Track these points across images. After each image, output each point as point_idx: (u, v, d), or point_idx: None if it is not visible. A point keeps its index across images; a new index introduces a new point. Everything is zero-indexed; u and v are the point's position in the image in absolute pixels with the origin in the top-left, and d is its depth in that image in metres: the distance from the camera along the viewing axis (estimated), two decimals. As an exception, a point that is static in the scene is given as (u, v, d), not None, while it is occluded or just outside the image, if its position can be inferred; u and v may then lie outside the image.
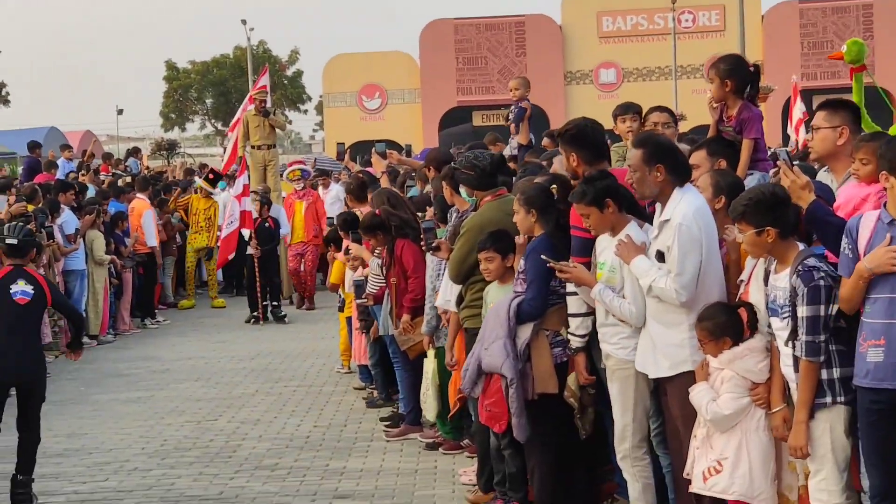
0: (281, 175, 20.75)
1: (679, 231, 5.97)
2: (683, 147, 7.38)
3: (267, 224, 18.16)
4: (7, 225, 9.20)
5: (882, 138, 5.53)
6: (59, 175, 21.32)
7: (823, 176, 6.58)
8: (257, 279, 17.67)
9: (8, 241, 8.75)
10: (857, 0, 50.10)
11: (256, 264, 17.64)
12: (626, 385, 6.53)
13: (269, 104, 19.99)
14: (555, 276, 6.91)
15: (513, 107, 12.14)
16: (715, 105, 7.26)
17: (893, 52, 45.26)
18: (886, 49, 47.68)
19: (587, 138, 6.96)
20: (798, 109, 20.71)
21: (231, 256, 18.30)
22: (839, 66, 49.38)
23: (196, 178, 22.12)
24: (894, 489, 5.17)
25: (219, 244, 18.83)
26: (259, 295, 17.76)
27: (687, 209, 6.01)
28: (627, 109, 8.95)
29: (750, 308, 5.84)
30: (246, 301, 18.36)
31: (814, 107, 6.52)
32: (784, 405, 5.66)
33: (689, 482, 6.06)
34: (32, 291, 8.56)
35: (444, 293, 8.67)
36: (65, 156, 24.41)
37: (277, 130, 20.23)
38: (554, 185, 7.12)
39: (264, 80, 20.27)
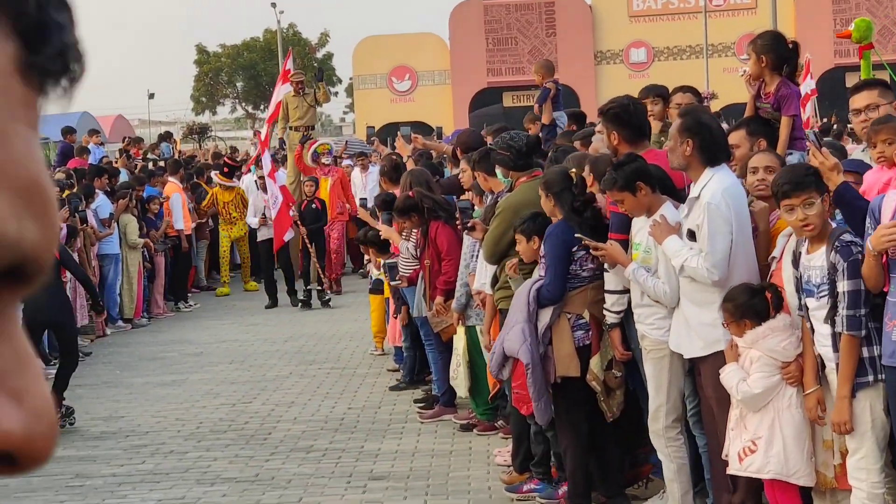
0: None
1: (708, 210, 5.97)
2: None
3: (314, 205, 17.90)
4: None
5: None
6: (92, 160, 21.42)
7: (862, 155, 6.56)
8: (285, 262, 17.55)
9: None
10: (889, -24, 49.63)
11: (308, 244, 17.44)
12: (661, 365, 6.53)
13: (306, 85, 19.75)
14: (574, 260, 6.94)
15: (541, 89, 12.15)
16: (753, 82, 7.23)
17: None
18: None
19: (630, 117, 6.96)
20: (806, 86, 20.46)
21: (288, 237, 17.47)
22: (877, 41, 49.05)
23: (213, 174, 21.70)
24: None
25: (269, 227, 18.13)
26: (302, 278, 17.72)
27: (716, 188, 6.00)
28: (649, 92, 8.93)
29: (775, 289, 5.83)
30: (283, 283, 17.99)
31: (847, 84, 6.52)
32: (818, 386, 5.64)
33: (725, 463, 6.06)
34: None
35: (479, 275, 8.67)
36: (93, 141, 24.51)
37: (318, 109, 19.91)
38: (573, 170, 7.12)
39: (290, 66, 20.25)
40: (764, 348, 5.79)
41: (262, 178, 18.06)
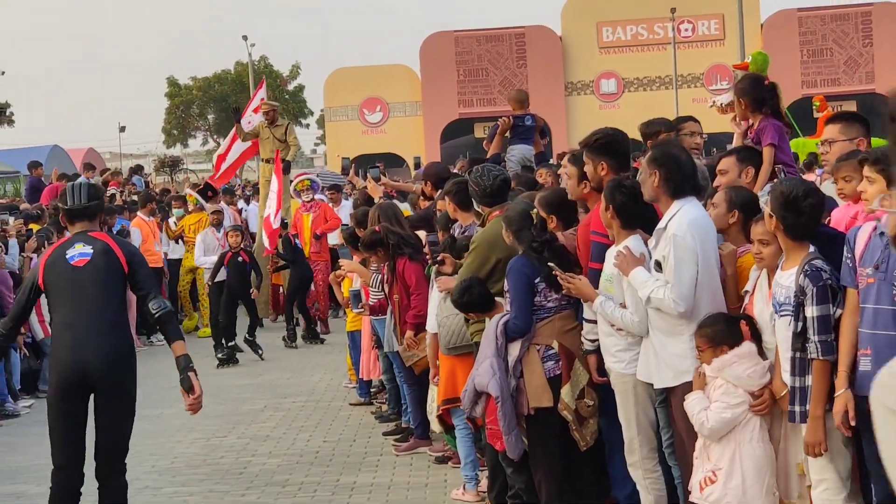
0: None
1: (674, 241, 6.06)
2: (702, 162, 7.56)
3: (240, 258, 16.18)
4: (68, 185, 7.42)
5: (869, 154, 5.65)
6: None
7: (829, 188, 6.68)
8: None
9: (65, 206, 7.19)
10: (855, 7, 50.23)
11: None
12: (627, 397, 6.61)
13: (277, 115, 19.39)
14: (538, 291, 7.03)
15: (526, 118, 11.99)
16: (741, 122, 7.51)
17: (891, 59, 45.36)
18: (884, 56, 47.80)
19: (619, 146, 7.06)
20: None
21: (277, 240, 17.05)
22: (839, 74, 49.56)
23: (187, 189, 20.77)
24: None
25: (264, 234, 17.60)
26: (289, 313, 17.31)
27: (682, 219, 6.10)
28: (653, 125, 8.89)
29: (750, 320, 5.90)
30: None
31: (814, 115, 6.70)
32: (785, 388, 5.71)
33: (698, 493, 6.11)
34: (91, 251, 6.94)
35: (430, 318, 8.83)
36: (86, 175, 24.34)
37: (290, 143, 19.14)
38: (534, 210, 7.23)
39: (261, 94, 20.17)
40: (729, 375, 5.86)
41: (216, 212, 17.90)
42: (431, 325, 8.88)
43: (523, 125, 11.79)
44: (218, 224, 17.67)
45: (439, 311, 8.49)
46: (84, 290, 6.87)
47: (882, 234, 5.26)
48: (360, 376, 12.21)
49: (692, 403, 5.96)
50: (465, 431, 8.62)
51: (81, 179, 9.43)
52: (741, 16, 34.36)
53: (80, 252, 6.91)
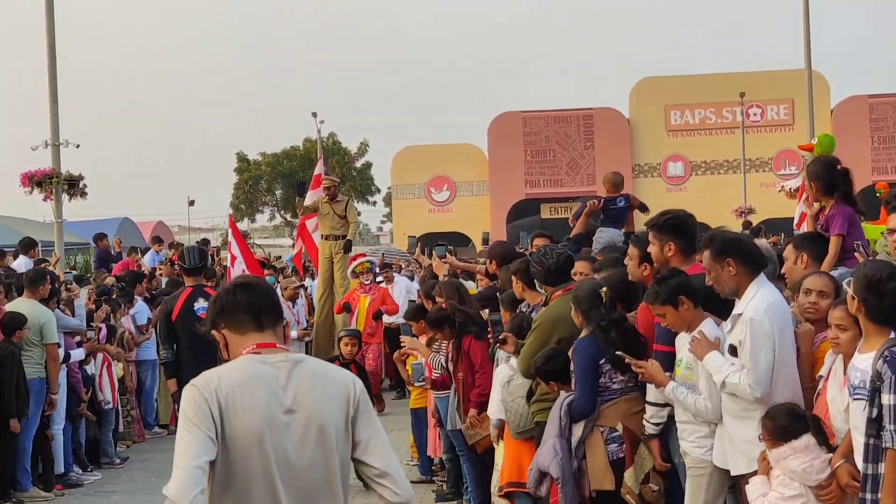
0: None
1: (751, 326, 5.97)
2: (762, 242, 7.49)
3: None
4: (185, 247, 11.25)
5: None
6: (150, 264, 21.65)
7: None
8: None
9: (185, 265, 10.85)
10: (927, 94, 49.93)
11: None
12: (700, 483, 6.49)
13: (338, 190, 19.18)
14: (603, 373, 6.97)
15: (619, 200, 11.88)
16: (813, 204, 7.48)
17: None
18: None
19: (688, 228, 7.01)
20: (800, 208, 20.58)
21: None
22: (910, 160, 49.10)
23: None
24: None
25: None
26: None
27: (759, 304, 6.01)
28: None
29: (817, 422, 5.79)
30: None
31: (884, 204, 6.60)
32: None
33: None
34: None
35: (493, 404, 8.78)
36: (154, 249, 24.63)
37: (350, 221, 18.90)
38: (604, 289, 7.16)
39: (319, 167, 20.14)
40: (785, 468, 5.75)
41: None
42: (493, 411, 8.82)
43: (616, 207, 11.64)
44: (292, 298, 17.66)
45: (505, 394, 8.43)
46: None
47: None
48: (427, 453, 12.12)
49: (753, 487, 5.89)
50: None
51: (192, 244, 10.56)
52: (811, 101, 34.18)
53: (202, 306, 9.87)
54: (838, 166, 7.47)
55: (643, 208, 11.94)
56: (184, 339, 10.17)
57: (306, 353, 15.98)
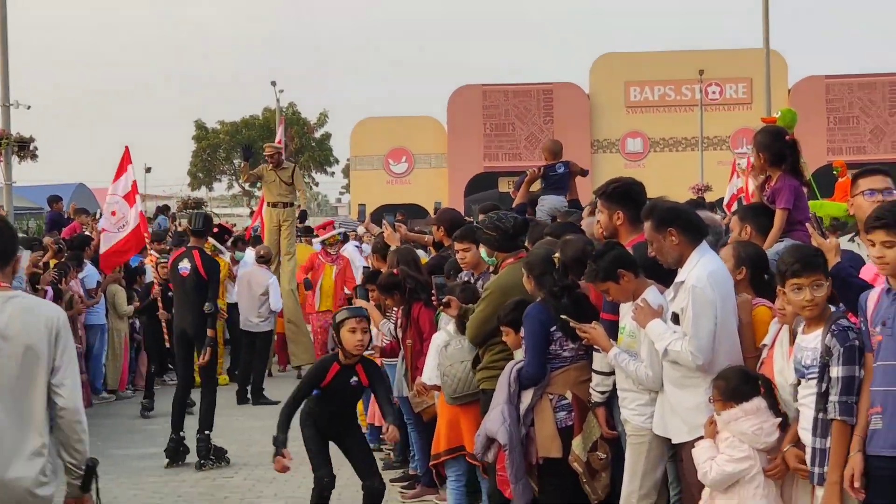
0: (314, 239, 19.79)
1: (693, 293, 5.96)
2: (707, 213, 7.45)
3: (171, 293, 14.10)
4: (193, 213, 13.18)
5: None
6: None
7: (850, 245, 6.58)
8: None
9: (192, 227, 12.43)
10: (883, 77, 50.25)
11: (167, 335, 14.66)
12: (639, 452, 6.49)
13: (283, 157, 18.85)
14: (553, 340, 6.93)
15: (559, 167, 11.86)
16: (760, 175, 7.37)
17: (921, 128, 45.25)
18: (914, 125, 47.73)
19: (637, 197, 6.98)
20: (733, 186, 20.86)
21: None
22: (864, 142, 49.49)
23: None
24: None
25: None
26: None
27: (701, 272, 6.00)
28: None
29: (768, 385, 5.79)
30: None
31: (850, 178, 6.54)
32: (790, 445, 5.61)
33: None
34: (189, 267, 11.75)
35: (428, 370, 8.73)
36: (79, 220, 24.43)
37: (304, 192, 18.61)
38: (557, 255, 7.12)
39: (280, 135, 19.82)
40: (735, 430, 5.75)
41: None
42: (428, 377, 8.76)
43: (556, 174, 11.63)
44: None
45: (442, 359, 8.37)
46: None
47: (889, 290, 5.18)
48: (370, 421, 12.09)
49: (700, 451, 5.87)
50: (456, 484, 8.52)
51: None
52: (769, 80, 34.32)
53: (184, 266, 11.83)
54: (786, 136, 7.42)
55: (584, 173, 11.94)
56: (174, 292, 12.45)
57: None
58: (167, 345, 14.59)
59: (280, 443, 7.97)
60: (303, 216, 18.44)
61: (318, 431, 8.25)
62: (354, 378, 8.05)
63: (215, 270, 12.02)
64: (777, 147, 7.28)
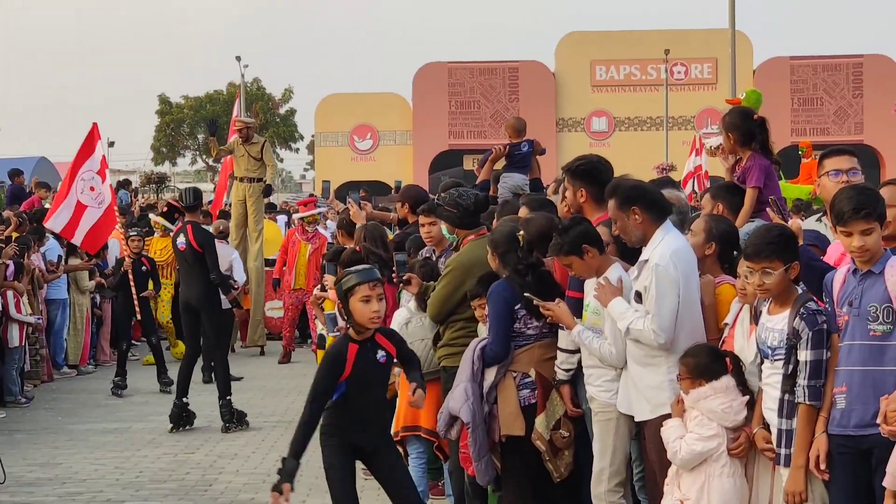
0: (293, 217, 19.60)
1: (656, 272, 5.95)
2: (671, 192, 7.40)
3: (143, 267, 15.51)
4: (183, 189, 14.21)
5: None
6: None
7: (817, 224, 6.60)
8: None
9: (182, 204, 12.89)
10: (846, 59, 50.50)
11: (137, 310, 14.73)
12: (607, 428, 6.48)
13: (253, 132, 18.61)
14: (518, 318, 6.92)
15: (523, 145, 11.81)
16: (729, 156, 7.34)
17: (881, 110, 45.51)
18: (874, 107, 48.02)
19: (600, 174, 6.96)
20: (692, 163, 21.21)
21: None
22: (828, 124, 49.76)
23: (151, 215, 19.91)
24: None
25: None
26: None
27: (665, 250, 5.99)
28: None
29: (737, 361, 5.80)
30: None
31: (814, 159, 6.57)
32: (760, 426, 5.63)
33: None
34: (185, 242, 12.33)
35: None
36: (39, 195, 24.25)
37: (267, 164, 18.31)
38: (521, 232, 7.09)
39: (236, 111, 19.60)
40: (704, 408, 5.76)
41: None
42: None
43: (520, 153, 11.59)
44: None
45: (403, 336, 8.32)
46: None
47: (855, 271, 5.19)
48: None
49: (669, 430, 5.87)
50: (418, 461, 8.49)
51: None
52: (734, 60, 34.40)
53: (182, 241, 12.40)
54: (755, 116, 7.39)
55: (542, 152, 11.93)
56: (178, 264, 13.08)
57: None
58: (138, 316, 14.74)
59: (288, 473, 6.21)
60: (267, 191, 18.32)
61: (345, 453, 6.60)
62: (381, 352, 6.50)
63: (209, 241, 12.48)
64: (746, 127, 7.24)
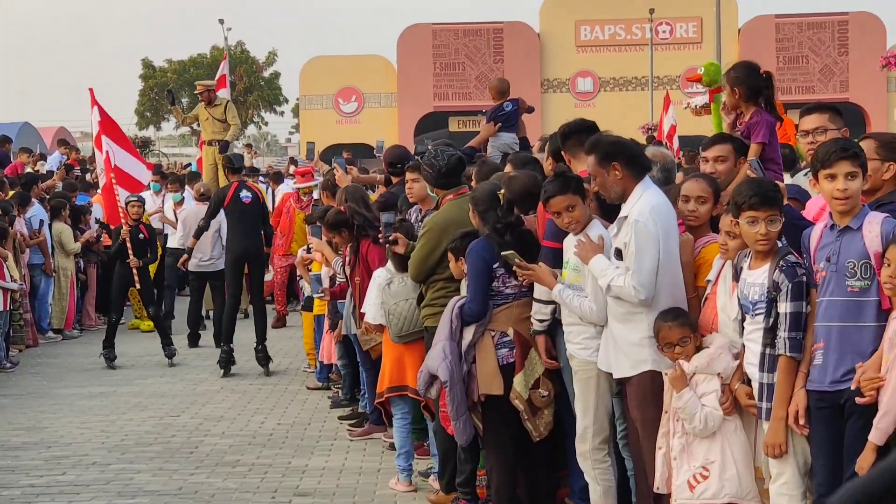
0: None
1: (636, 228, 5.92)
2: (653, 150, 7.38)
3: (141, 235, 14.76)
4: (232, 153, 14.88)
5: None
6: (53, 167, 21.17)
7: (802, 180, 6.59)
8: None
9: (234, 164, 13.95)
10: (832, 16, 50.38)
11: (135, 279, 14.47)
12: (588, 386, 6.49)
13: (218, 95, 18.58)
14: (496, 277, 6.92)
15: (506, 105, 11.79)
16: (731, 112, 7.25)
17: (867, 68, 45.47)
18: (860, 65, 47.96)
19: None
20: (669, 120, 21.70)
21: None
22: (814, 82, 49.71)
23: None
24: (838, 486, 5.17)
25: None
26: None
27: (644, 206, 5.96)
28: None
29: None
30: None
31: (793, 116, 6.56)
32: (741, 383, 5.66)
33: (650, 487, 6.00)
34: (251, 196, 13.52)
35: (370, 308, 8.70)
36: (60, 151, 24.18)
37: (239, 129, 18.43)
38: (502, 191, 7.07)
39: (223, 69, 19.54)
40: (719, 367, 5.74)
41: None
42: (373, 315, 8.72)
43: (504, 113, 11.59)
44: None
45: (386, 297, 8.33)
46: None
47: (833, 226, 5.20)
48: (321, 360, 12.08)
49: (691, 405, 5.75)
50: (402, 422, 8.52)
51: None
52: (718, 20, 34.25)
53: (246, 194, 13.54)
54: (761, 71, 7.25)
55: (530, 110, 11.94)
56: (231, 219, 13.68)
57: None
58: (137, 286, 14.43)
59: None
60: (224, 147, 17.96)
61: None
62: None
63: (263, 197, 14.13)
64: (753, 82, 7.08)
